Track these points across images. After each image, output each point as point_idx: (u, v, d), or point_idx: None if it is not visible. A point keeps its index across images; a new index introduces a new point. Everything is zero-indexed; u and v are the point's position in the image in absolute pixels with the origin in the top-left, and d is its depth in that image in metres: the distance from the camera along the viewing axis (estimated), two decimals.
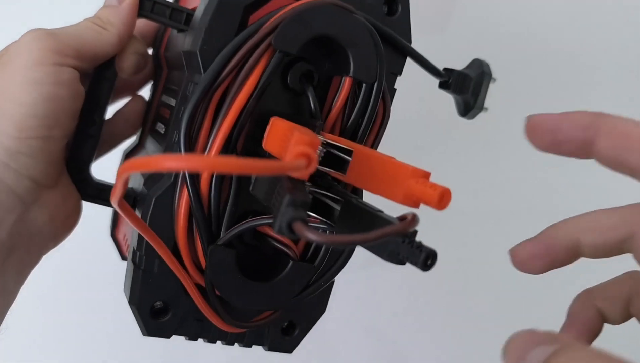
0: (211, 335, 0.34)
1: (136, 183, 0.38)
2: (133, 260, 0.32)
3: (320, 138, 0.28)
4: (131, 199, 0.37)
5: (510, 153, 0.60)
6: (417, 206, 0.24)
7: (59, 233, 0.34)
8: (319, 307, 0.36)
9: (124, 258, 0.46)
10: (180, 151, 0.30)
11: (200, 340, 0.34)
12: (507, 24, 0.59)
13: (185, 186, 0.30)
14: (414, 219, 0.23)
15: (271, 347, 0.36)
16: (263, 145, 0.29)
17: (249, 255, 0.32)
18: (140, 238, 0.31)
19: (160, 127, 0.38)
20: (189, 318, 0.33)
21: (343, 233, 0.23)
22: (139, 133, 0.44)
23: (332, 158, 0.28)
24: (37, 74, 0.31)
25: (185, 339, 0.34)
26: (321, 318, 0.36)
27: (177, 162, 0.18)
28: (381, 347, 0.64)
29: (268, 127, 0.30)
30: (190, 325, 0.33)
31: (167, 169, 0.19)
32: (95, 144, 0.37)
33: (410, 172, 0.24)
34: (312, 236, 0.20)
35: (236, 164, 0.18)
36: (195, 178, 0.30)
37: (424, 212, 0.24)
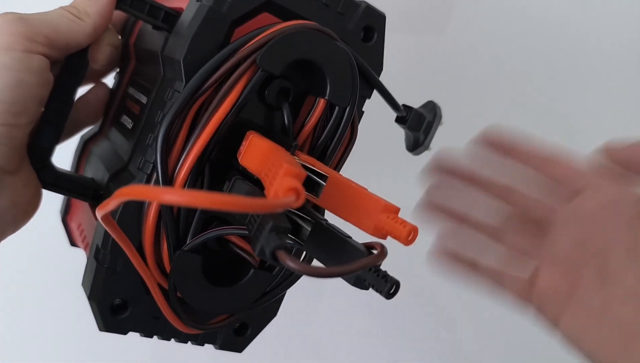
0: (166, 333, 0.35)
1: (98, 174, 0.38)
2: (96, 257, 0.33)
3: (297, 160, 0.29)
4: (91, 190, 0.37)
5: None
6: (385, 238, 0.26)
7: (19, 219, 0.34)
8: (271, 311, 0.38)
9: (73, 244, 0.45)
10: (155, 156, 0.30)
11: (155, 338, 0.35)
12: (507, 23, 0.58)
13: None
14: (384, 251, 0.25)
15: (223, 346, 0.37)
16: (239, 159, 0.31)
17: (211, 259, 0.33)
18: (106, 237, 0.32)
19: (127, 121, 0.38)
20: (146, 316, 0.34)
21: (322, 266, 0.24)
22: (99, 121, 0.44)
23: (307, 181, 0.29)
24: (6, 59, 0.30)
25: (140, 335, 0.35)
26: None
27: (179, 197, 0.19)
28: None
29: (245, 143, 0.31)
30: (146, 322, 0.34)
31: (167, 203, 0.19)
32: (59, 133, 0.36)
33: (382, 207, 0.26)
34: (294, 265, 0.22)
35: (237, 203, 0.19)
36: (168, 181, 0.31)
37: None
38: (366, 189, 0.28)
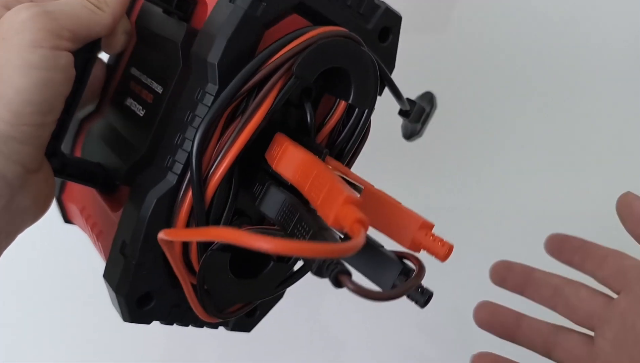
0: (185, 320, 0.37)
1: (107, 159, 0.37)
2: (122, 252, 0.33)
3: (332, 170, 0.31)
4: (100, 177, 0.37)
5: (507, 154, 0.60)
6: (419, 251, 0.29)
7: (39, 213, 0.33)
8: (278, 295, 0.40)
9: (67, 221, 0.45)
10: (191, 160, 0.31)
11: (174, 325, 0.37)
12: (507, 23, 0.58)
13: (190, 190, 0.31)
14: (423, 268, 0.27)
15: (234, 328, 0.39)
16: (273, 165, 0.32)
17: (235, 253, 0.35)
18: (136, 235, 0.32)
19: (136, 107, 0.38)
20: (168, 305, 0.35)
21: (374, 290, 0.26)
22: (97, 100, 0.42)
23: None
24: (35, 57, 0.29)
25: (161, 323, 0.36)
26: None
27: (273, 246, 0.20)
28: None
29: (279, 149, 0.32)
30: (168, 311, 0.36)
31: (259, 249, 0.21)
32: (69, 122, 0.36)
33: (420, 224, 0.28)
34: (353, 288, 0.24)
35: (321, 250, 0.21)
36: (202, 184, 0.31)
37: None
38: (400, 204, 0.30)
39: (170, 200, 0.32)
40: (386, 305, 0.29)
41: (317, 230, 0.27)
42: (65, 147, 0.43)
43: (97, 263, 0.38)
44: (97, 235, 0.38)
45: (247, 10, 0.31)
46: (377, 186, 0.31)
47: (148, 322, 0.35)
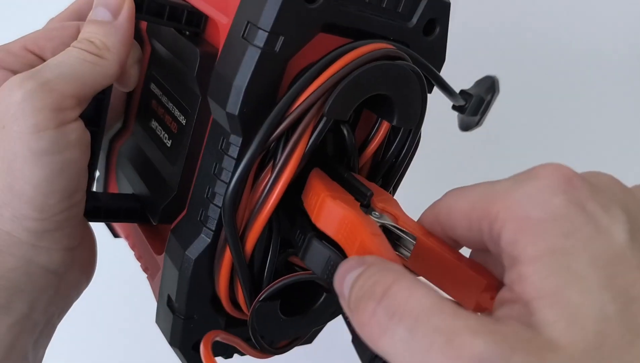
0: None
1: (139, 189, 0.35)
2: (170, 306, 0.32)
3: (378, 219, 0.28)
4: (137, 212, 0.35)
5: (511, 153, 0.59)
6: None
7: (88, 278, 0.33)
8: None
9: (116, 236, 0.44)
10: (223, 218, 0.28)
11: (235, 355, 0.36)
12: (507, 23, 0.56)
13: (227, 248, 0.29)
14: None
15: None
16: (312, 217, 0.29)
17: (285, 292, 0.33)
18: (180, 292, 0.31)
19: (162, 133, 0.35)
20: (225, 343, 0.35)
21: None
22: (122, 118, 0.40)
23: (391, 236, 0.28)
24: (43, 144, 0.26)
25: (223, 358, 0.36)
26: None
27: None
28: None
29: (316, 200, 0.28)
30: (226, 347, 0.35)
31: None
32: (96, 163, 0.33)
33: (485, 286, 0.25)
34: None
35: None
36: (239, 241, 0.29)
37: None
38: (461, 263, 0.26)
39: (210, 255, 0.30)
40: None
41: None
42: (98, 170, 0.42)
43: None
44: (144, 269, 0.37)
45: (264, 49, 0.26)
46: None
47: None
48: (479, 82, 0.37)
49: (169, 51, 0.33)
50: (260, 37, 0.26)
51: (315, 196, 0.28)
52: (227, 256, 0.30)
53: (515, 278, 0.19)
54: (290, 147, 0.27)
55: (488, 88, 0.36)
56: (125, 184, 0.38)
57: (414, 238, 0.27)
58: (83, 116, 0.31)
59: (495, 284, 0.25)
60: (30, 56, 0.30)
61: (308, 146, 0.28)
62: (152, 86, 0.36)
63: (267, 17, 0.26)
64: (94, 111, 0.31)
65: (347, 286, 0.21)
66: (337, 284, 0.22)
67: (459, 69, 0.40)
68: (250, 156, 0.27)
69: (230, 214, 0.28)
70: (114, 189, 0.40)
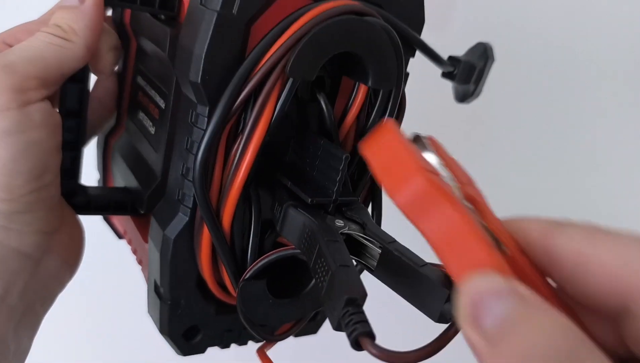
0: (242, 339, 0.35)
1: (131, 182, 0.35)
2: (157, 293, 0.32)
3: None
4: (128, 204, 0.35)
5: (507, 155, 0.58)
6: None
7: (73, 268, 0.32)
8: None
9: (120, 236, 0.44)
10: (196, 193, 0.27)
11: (232, 345, 0.35)
12: (507, 23, 0.55)
13: (204, 224, 0.29)
14: None
15: (298, 333, 0.37)
16: (391, 196, 0.22)
17: (273, 273, 0.32)
18: (163, 276, 0.30)
19: (148, 123, 0.35)
20: (219, 331, 0.34)
21: (400, 352, 0.22)
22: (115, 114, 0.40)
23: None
24: (5, 123, 0.26)
25: (219, 348, 0.35)
26: None
27: None
28: None
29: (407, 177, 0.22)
30: (221, 336, 0.34)
31: None
32: (80, 154, 0.33)
33: None
34: (376, 353, 0.20)
35: None
36: (215, 216, 0.28)
37: None
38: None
39: (190, 235, 0.30)
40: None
41: (335, 269, 0.23)
42: (96, 167, 0.42)
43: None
44: (139, 261, 0.37)
45: (220, 12, 0.26)
46: None
47: (202, 351, 0.34)
48: (470, 49, 0.35)
49: (149, 40, 0.33)
50: (217, 0, 0.26)
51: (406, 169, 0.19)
52: (206, 234, 0.29)
53: None
54: (257, 111, 0.27)
55: (480, 55, 0.34)
56: (119, 179, 0.38)
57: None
58: (65, 107, 0.31)
59: None
60: (7, 48, 0.31)
61: (276, 109, 0.27)
62: (139, 79, 0.36)
63: None
64: (75, 100, 0.31)
65: (489, 315, 0.15)
66: (468, 305, 0.16)
67: None
68: (216, 121, 0.26)
69: (201, 184, 0.27)
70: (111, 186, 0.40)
